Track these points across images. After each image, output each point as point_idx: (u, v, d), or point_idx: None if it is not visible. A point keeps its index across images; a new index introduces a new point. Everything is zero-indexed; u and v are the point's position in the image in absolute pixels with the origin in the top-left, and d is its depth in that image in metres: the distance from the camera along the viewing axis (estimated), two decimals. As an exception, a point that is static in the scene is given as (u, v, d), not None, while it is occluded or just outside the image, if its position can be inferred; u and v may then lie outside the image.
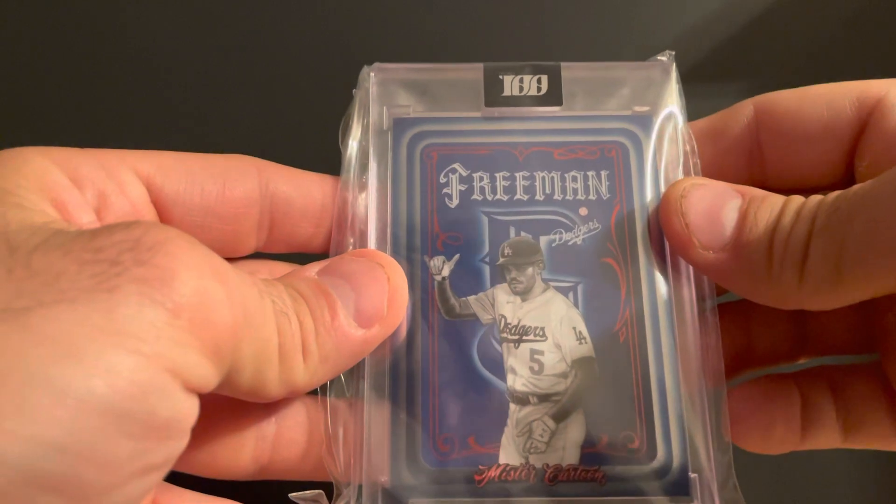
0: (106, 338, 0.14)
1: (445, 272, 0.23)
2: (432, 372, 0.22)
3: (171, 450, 0.16)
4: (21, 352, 0.13)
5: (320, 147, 0.26)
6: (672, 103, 0.25)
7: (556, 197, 0.24)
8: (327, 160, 0.25)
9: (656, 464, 0.22)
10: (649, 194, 0.24)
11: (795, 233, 0.20)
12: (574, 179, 0.24)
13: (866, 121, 0.22)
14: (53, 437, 0.13)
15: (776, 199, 0.21)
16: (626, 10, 0.36)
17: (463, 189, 0.24)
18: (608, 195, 0.24)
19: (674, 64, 0.25)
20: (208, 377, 0.16)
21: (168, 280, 0.15)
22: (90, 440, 0.14)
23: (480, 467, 0.22)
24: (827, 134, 0.23)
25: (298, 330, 0.19)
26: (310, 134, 0.34)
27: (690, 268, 0.23)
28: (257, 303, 0.18)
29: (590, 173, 0.24)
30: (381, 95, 0.25)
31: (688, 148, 0.25)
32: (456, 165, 0.24)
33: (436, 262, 0.23)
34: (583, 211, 0.24)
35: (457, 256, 0.24)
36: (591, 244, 0.24)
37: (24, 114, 0.35)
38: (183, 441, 0.17)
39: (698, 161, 0.24)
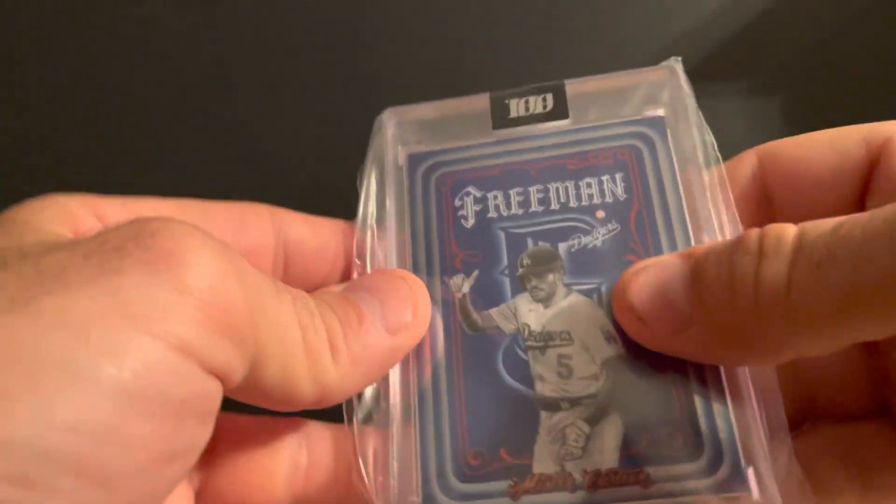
0: (113, 319, 0.14)
1: (465, 288, 0.23)
2: (458, 387, 0.22)
3: (192, 436, 0.16)
4: (31, 336, 0.13)
5: (338, 196, 0.27)
6: (682, 101, 0.25)
7: (571, 204, 0.24)
8: (345, 209, 0.26)
9: (704, 459, 0.20)
10: (668, 189, 0.23)
11: (766, 275, 0.18)
12: (588, 186, 0.24)
13: (875, 161, 0.21)
14: (69, 417, 0.13)
15: (721, 249, 0.19)
16: (628, 13, 0.37)
17: (478, 209, 0.24)
18: (625, 196, 0.24)
19: (680, 65, 0.25)
20: (229, 359, 0.16)
21: (174, 260, 0.15)
22: (106, 420, 0.14)
23: (514, 479, 0.21)
24: (836, 178, 0.22)
25: (323, 330, 0.19)
26: (325, 183, 0.35)
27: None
28: (272, 291, 0.18)
29: (604, 178, 0.24)
30: (397, 137, 0.26)
31: (706, 138, 0.24)
32: (470, 188, 0.25)
33: (455, 280, 0.23)
34: (600, 214, 0.24)
35: (476, 273, 0.23)
36: (611, 244, 0.23)
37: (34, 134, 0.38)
38: (205, 428, 0.16)
39: (717, 151, 0.24)
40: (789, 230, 0.18)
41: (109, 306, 0.14)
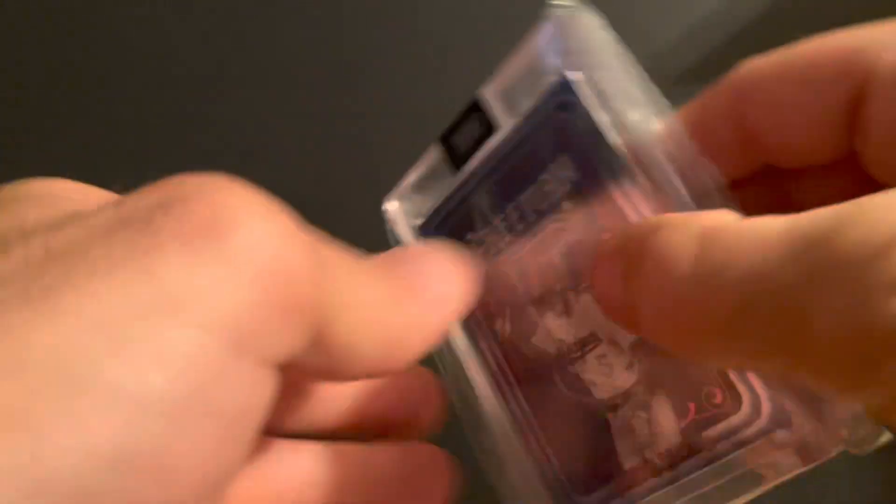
0: (156, 313, 0.12)
1: (508, 330, 0.25)
2: (538, 422, 0.24)
3: (237, 454, 0.13)
4: (55, 342, 0.11)
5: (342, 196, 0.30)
6: (586, 44, 0.23)
7: (541, 207, 0.24)
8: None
9: (747, 406, 0.20)
10: (602, 143, 0.22)
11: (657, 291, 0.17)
12: (545, 182, 0.24)
13: (860, 99, 0.19)
14: (109, 447, 0.11)
15: (633, 242, 0.19)
16: (624, 13, 0.33)
17: (482, 254, 0.26)
18: (576, 175, 0.23)
19: (561, 3, 0.23)
20: (293, 341, 0.14)
21: (217, 229, 0.12)
22: (150, 448, 0.11)
23: (617, 481, 0.23)
24: (817, 118, 0.20)
25: (381, 289, 0.17)
26: (326, 186, 0.36)
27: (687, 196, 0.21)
28: (329, 248, 0.16)
29: (551, 166, 0.24)
30: (404, 219, 0.29)
31: (635, 79, 0.22)
32: (469, 236, 0.27)
33: (497, 326, 0.26)
34: (566, 204, 0.24)
35: (508, 311, 0.25)
36: (587, 230, 0.23)
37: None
38: (249, 447, 0.14)
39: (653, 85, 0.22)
40: (684, 251, 0.17)
41: (148, 298, 0.12)
